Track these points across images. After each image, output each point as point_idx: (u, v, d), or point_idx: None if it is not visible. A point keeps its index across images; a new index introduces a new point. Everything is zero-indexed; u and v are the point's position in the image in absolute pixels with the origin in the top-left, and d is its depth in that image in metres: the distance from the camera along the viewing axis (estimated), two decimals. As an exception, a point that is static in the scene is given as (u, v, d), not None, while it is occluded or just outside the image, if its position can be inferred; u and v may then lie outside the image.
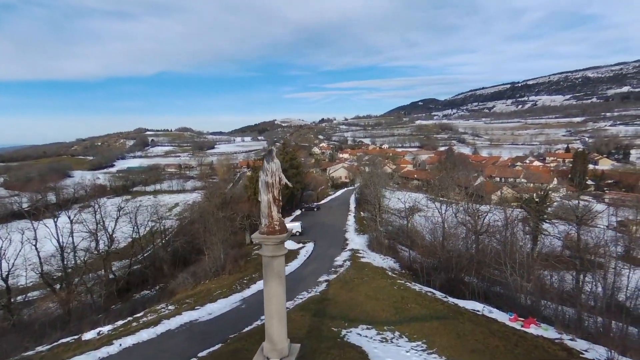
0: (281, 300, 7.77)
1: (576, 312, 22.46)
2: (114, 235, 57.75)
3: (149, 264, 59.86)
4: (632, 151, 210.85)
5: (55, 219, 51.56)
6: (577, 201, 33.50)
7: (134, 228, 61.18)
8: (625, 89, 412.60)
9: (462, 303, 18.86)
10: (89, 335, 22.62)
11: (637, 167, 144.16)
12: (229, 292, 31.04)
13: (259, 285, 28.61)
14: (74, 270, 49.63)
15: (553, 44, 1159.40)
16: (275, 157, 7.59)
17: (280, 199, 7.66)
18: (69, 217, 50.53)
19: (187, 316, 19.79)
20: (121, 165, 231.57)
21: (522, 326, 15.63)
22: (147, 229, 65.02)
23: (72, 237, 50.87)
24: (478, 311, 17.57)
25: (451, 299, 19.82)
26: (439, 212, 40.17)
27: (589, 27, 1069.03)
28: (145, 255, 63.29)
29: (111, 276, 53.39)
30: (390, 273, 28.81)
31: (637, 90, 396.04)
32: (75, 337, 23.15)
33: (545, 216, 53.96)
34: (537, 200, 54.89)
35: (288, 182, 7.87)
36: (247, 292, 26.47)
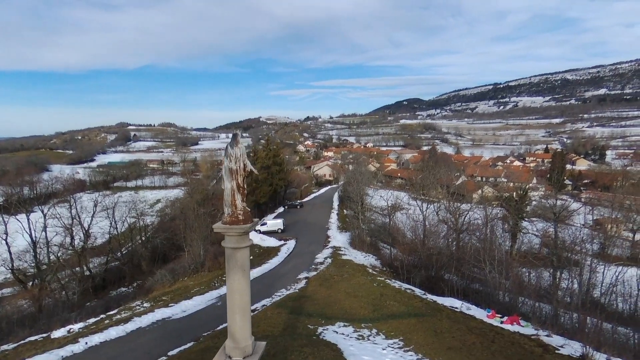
0: (244, 295, 7.28)
1: (553, 309, 22.73)
2: (90, 231, 56.18)
3: (127, 261, 58.39)
4: (608, 152, 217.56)
5: (28, 214, 49.74)
6: (554, 200, 33.96)
7: (111, 224, 59.56)
8: (602, 91, 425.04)
9: (440, 300, 18.75)
10: (58, 333, 21.66)
11: (612, 168, 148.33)
12: (206, 289, 30.37)
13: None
14: (47, 266, 48.00)
15: (534, 46, 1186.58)
16: (240, 142, 7.10)
17: (245, 187, 7.16)
18: (42, 212, 48.81)
19: (159, 313, 19.08)
20: (102, 160, 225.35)
21: (502, 322, 15.55)
22: (126, 225, 63.44)
23: (46, 232, 49.21)
24: (456, 308, 17.47)
25: (430, 296, 19.70)
26: (420, 210, 40.24)
27: (569, 30, 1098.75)
28: (123, 251, 61.74)
29: (87, 273, 51.90)
30: (370, 270, 28.62)
31: (613, 92, 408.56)
32: (44, 335, 22.17)
33: (524, 214, 54.92)
34: (516, 199, 55.76)
35: (253, 169, 7.39)
36: (225, 289, 25.79)
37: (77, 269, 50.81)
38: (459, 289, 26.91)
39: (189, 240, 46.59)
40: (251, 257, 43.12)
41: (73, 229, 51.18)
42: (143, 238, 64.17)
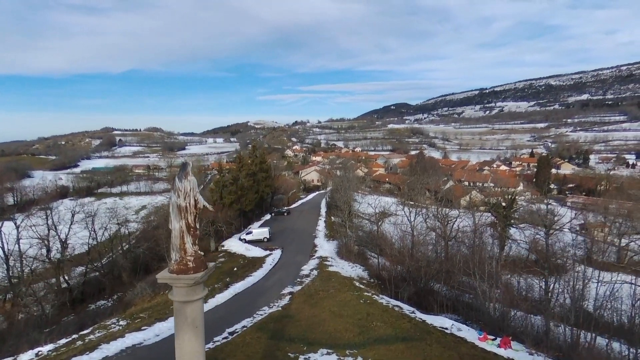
0: (197, 357, 5.96)
1: (545, 323, 22.02)
2: (67, 241, 53.98)
3: (107, 272, 56.19)
4: (591, 156, 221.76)
5: (1, 223, 47.46)
6: (545, 208, 33.46)
7: (90, 233, 57.33)
8: (584, 96, 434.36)
9: (430, 319, 17.79)
10: (25, 356, 20.15)
11: (596, 172, 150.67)
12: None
13: (217, 299, 26.70)
14: (19, 280, 45.71)
15: (519, 53, 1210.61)
16: (190, 173, 5.95)
17: (197, 226, 5.99)
18: (15, 223, 46.55)
19: (130, 339, 17.66)
20: (86, 165, 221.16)
21: (498, 346, 14.68)
22: (107, 234, 61.17)
23: (19, 244, 46.96)
24: (446, 329, 16.54)
25: (419, 315, 18.74)
26: (408, 219, 39.46)
27: (552, 37, 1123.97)
28: (103, 262, 59.49)
29: (64, 285, 49.71)
30: (357, 284, 27.60)
31: (595, 98, 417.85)
32: (10, 358, 20.59)
33: (512, 221, 54.62)
34: (504, 205, 55.45)
35: (207, 205, 6.24)
36: (205, 307, 24.43)
37: (54, 281, 48.66)
38: (449, 302, 26.13)
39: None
40: (235, 269, 41.87)
41: (50, 239, 48.96)
42: (124, 248, 61.99)
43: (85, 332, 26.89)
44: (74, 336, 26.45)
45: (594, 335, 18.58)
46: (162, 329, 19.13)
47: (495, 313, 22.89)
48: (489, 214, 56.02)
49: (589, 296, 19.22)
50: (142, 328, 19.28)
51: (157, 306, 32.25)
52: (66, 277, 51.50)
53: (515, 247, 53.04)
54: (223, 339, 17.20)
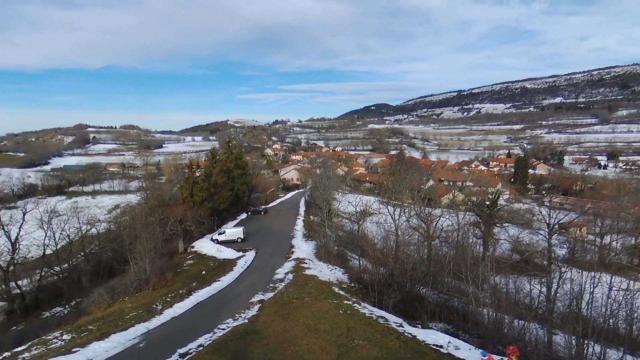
0: None
1: (546, 332, 19.73)
2: (18, 243, 49.12)
3: (65, 276, 51.63)
4: (565, 157, 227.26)
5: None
6: (548, 209, 31.30)
7: (46, 234, 52.45)
8: (558, 99, 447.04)
9: (421, 334, 15.00)
10: None
11: (571, 172, 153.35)
12: (144, 314, 25.48)
13: (175, 310, 23.34)
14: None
15: (496, 56, 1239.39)
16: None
17: None
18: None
19: (53, 366, 14.18)
20: (57, 163, 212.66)
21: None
22: (69, 234, 56.30)
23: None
24: (441, 347, 13.79)
25: (408, 328, 15.93)
26: (392, 217, 36.88)
27: (528, 42, 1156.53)
28: (63, 266, 54.66)
29: (16, 291, 45.14)
30: (337, 289, 24.69)
31: (568, 101, 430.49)
32: None
33: (496, 220, 53.11)
34: (487, 204, 53.86)
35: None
36: (157, 320, 21.03)
37: (3, 286, 44.12)
38: (437, 309, 23.62)
39: (135, 252, 40.99)
40: (203, 272, 38.27)
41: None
42: (89, 250, 57.26)
43: (20, 348, 23.22)
44: (6, 354, 22.76)
45: (603, 347, 16.27)
46: (97, 351, 15.62)
47: (490, 321, 20.46)
48: (472, 213, 54.30)
49: (599, 303, 16.98)
50: (73, 350, 15.72)
51: (110, 316, 28.58)
52: (18, 283, 46.98)
53: (499, 246, 51.76)
54: (171, 363, 13.96)
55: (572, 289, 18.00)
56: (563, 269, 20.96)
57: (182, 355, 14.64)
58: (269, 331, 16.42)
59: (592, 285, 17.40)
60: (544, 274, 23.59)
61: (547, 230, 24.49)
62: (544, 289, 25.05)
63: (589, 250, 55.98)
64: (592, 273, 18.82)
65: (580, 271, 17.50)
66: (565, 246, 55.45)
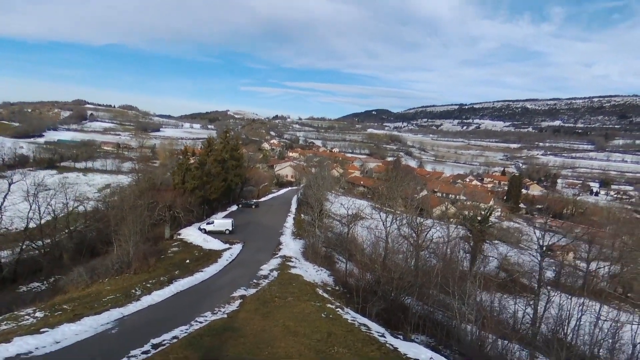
0: None
1: (529, 356, 19.42)
2: (1, 214, 48.15)
3: (47, 251, 50.60)
4: (559, 180, 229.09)
5: None
6: (542, 231, 31.07)
7: (31, 206, 51.41)
8: (557, 122, 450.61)
9: (403, 347, 14.58)
10: None
11: (563, 196, 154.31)
12: (122, 298, 24.83)
13: (154, 297, 22.71)
14: None
15: (501, 74, 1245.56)
16: None
17: None
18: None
19: (16, 346, 13.46)
20: (51, 136, 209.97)
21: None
22: (55, 209, 55.27)
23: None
24: (423, 363, 13.37)
25: (390, 340, 15.51)
26: (383, 224, 36.49)
27: (533, 62, 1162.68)
28: (45, 241, 53.61)
29: (-6, 262, 44.20)
30: (321, 291, 24.22)
31: (567, 125, 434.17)
32: None
33: (486, 237, 52.99)
34: (479, 219, 53.76)
35: None
36: (134, 307, 20.39)
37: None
38: (420, 321, 23.27)
39: (119, 234, 40.17)
40: (187, 261, 37.60)
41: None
42: (73, 227, 56.21)
43: (-10, 322, 22.41)
44: (-26, 326, 21.91)
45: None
46: (67, 333, 14.96)
47: (473, 339, 20.13)
48: (462, 226, 54.16)
49: (584, 331, 16.71)
50: (42, 330, 15.05)
51: (87, 297, 27.86)
52: (-4, 254, 46.01)
53: (488, 263, 51.62)
54: (142, 353, 13.36)
55: (560, 314, 17.73)
56: (552, 293, 20.68)
57: (154, 346, 14.07)
58: (247, 329, 15.92)
59: (579, 312, 17.15)
60: (531, 296, 23.35)
61: (538, 252, 24.21)
62: (529, 310, 24.85)
63: (575, 275, 56.03)
64: (581, 299, 18.58)
65: (570, 297, 17.24)
66: (552, 269, 55.56)
